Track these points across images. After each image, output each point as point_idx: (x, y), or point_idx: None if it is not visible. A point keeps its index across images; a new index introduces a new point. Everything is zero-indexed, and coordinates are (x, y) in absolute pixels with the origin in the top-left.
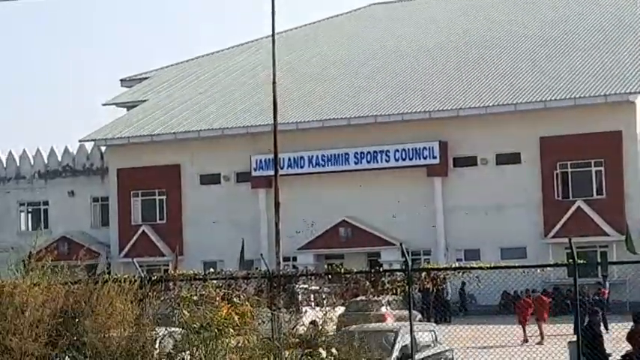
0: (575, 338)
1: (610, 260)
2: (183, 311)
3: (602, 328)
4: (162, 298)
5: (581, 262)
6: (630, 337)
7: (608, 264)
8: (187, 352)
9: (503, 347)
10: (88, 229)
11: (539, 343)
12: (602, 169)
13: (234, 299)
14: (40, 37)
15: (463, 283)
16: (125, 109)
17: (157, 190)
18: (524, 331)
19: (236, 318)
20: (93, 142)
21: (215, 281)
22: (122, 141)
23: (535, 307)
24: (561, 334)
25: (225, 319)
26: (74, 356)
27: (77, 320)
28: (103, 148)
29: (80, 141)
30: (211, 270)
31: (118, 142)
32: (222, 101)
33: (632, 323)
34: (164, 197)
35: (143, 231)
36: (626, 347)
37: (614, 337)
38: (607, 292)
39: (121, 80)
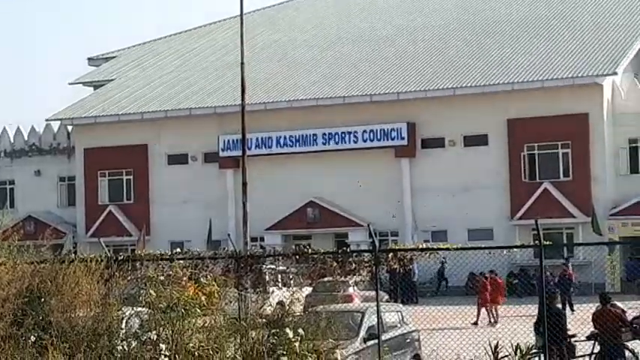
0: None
1: (576, 242)
2: (150, 291)
3: (567, 309)
4: (128, 278)
5: (547, 243)
6: (596, 318)
7: (574, 245)
8: (154, 332)
9: (469, 328)
10: (55, 208)
11: (493, 324)
12: (569, 151)
13: (201, 279)
14: (7, 15)
15: (442, 263)
16: (92, 89)
17: (124, 170)
18: (485, 312)
19: (203, 298)
20: (60, 122)
21: (182, 261)
22: (89, 120)
23: (491, 288)
24: (527, 314)
25: (192, 299)
26: (40, 336)
27: (43, 300)
28: (70, 128)
29: (47, 120)
30: (178, 250)
31: (85, 121)
32: (190, 81)
33: (596, 304)
34: (131, 177)
35: (110, 211)
36: (591, 328)
37: (579, 317)
38: (572, 273)
39: (89, 59)
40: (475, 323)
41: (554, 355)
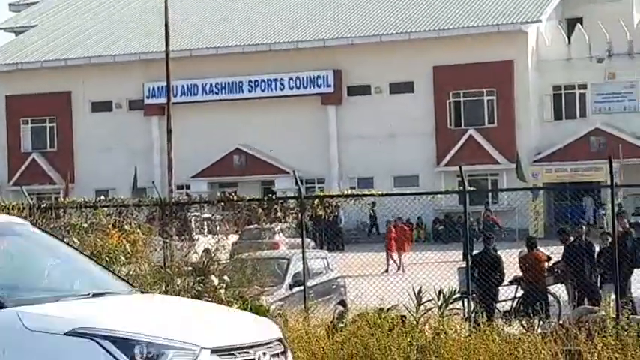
0: (464, 264)
1: (500, 188)
2: (74, 239)
3: None
4: (52, 226)
5: (471, 189)
6: (522, 262)
7: (498, 191)
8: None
9: (393, 274)
10: None
11: (398, 271)
12: (494, 98)
13: (126, 227)
14: None
15: (373, 204)
16: (14, 35)
17: (47, 118)
18: (388, 258)
19: (127, 246)
20: None
21: (106, 209)
22: (10, 67)
23: (398, 236)
24: (451, 260)
25: (117, 246)
26: None
27: None
28: None
29: None
30: (102, 197)
31: (7, 68)
32: (114, 27)
33: (519, 249)
34: (54, 125)
35: (33, 159)
36: (514, 272)
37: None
38: (495, 218)
39: (10, 4)
40: (397, 269)
41: (477, 298)
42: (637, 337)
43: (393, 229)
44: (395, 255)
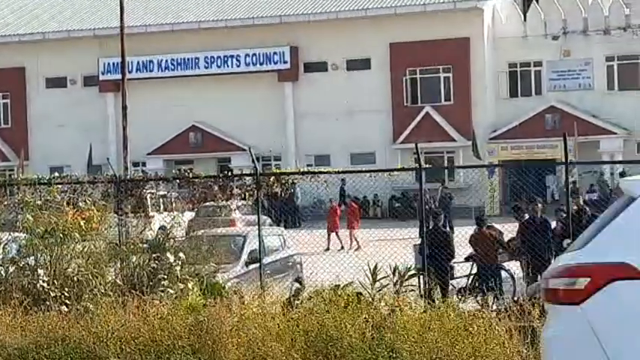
0: (420, 241)
1: (457, 165)
2: (27, 216)
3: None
4: (5, 203)
5: (427, 166)
6: (472, 240)
7: (454, 168)
8: (32, 258)
9: (350, 251)
10: None
11: (357, 249)
12: (451, 75)
13: (80, 204)
14: None
15: (343, 181)
16: None
17: (0, 94)
18: (328, 238)
19: (82, 223)
20: None
21: (60, 186)
22: None
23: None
24: (407, 237)
25: (71, 223)
26: None
27: None
28: None
29: None
30: (56, 174)
31: None
32: (69, 2)
33: (474, 226)
34: (8, 101)
35: None
36: (469, 250)
37: (458, 240)
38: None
39: None
40: (327, 249)
41: (432, 275)
42: None
43: (336, 207)
44: (340, 233)
